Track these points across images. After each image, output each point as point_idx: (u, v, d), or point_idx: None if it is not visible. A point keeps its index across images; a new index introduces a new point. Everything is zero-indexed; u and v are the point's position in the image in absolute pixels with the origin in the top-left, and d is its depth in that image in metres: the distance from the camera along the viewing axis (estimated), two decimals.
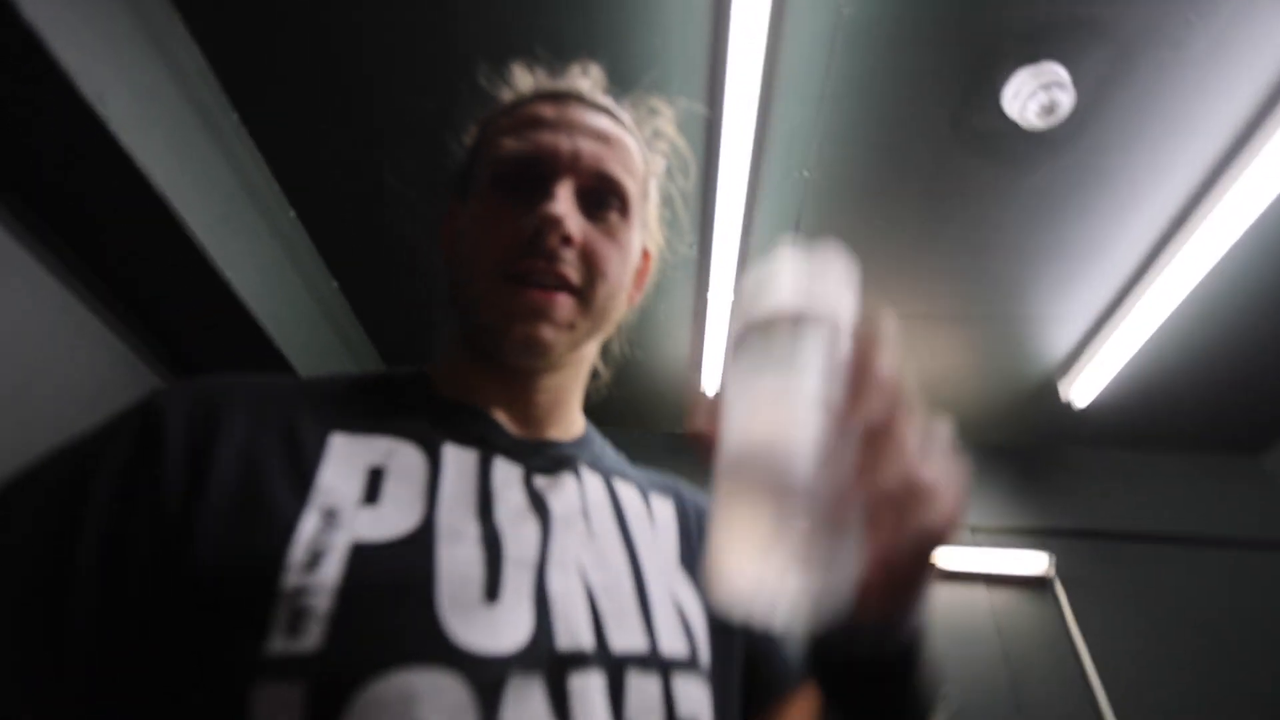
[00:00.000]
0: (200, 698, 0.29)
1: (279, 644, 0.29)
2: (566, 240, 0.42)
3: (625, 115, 0.51)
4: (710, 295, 1.65)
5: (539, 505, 0.40)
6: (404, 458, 0.39)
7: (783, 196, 1.46)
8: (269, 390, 0.41)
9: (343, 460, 0.37)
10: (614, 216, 0.46)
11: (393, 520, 0.35)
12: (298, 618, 0.29)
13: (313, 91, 1.30)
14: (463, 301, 0.47)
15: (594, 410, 0.54)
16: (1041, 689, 1.78)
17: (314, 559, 0.31)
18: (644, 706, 0.35)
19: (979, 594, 1.96)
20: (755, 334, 0.27)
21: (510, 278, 0.43)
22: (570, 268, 0.43)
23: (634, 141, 0.50)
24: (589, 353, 0.50)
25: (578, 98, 0.48)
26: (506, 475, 0.41)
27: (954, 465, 0.27)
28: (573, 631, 0.35)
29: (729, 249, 1.52)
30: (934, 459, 0.26)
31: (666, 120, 0.54)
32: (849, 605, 0.24)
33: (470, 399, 0.46)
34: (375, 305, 1.87)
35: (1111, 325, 1.68)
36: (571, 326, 0.44)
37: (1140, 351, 1.73)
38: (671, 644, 0.38)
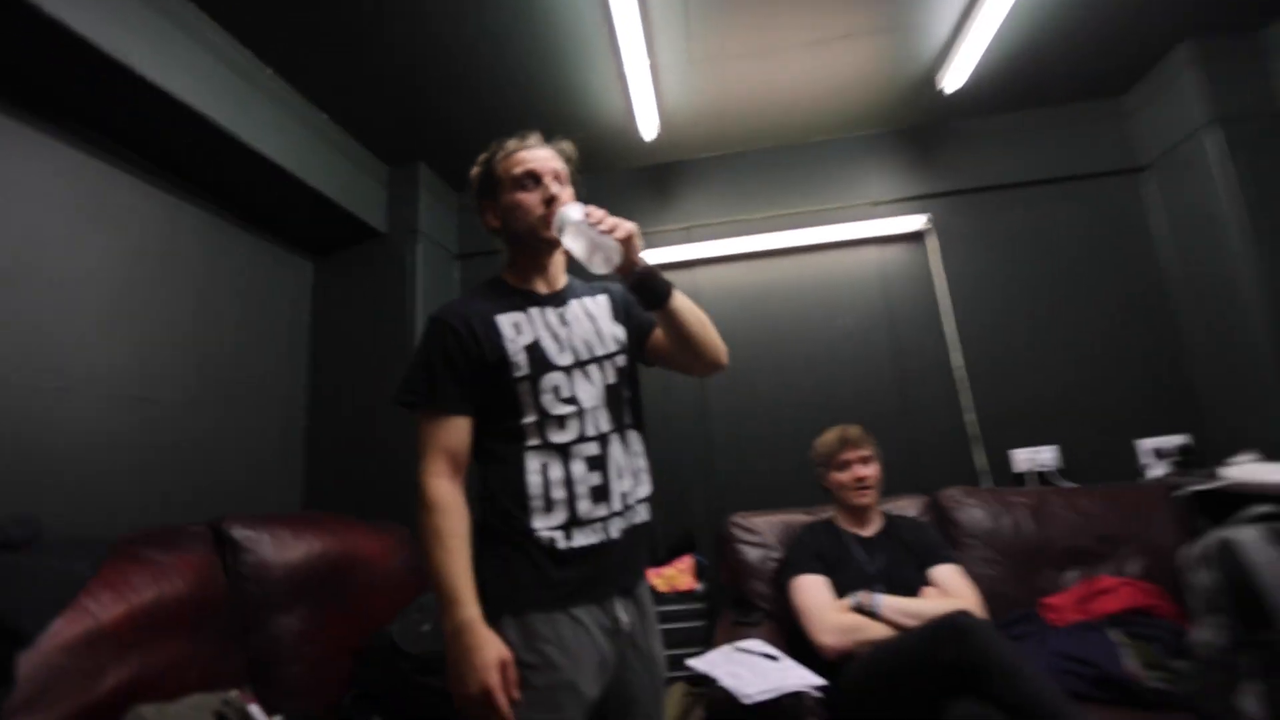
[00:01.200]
0: (496, 391, 1.03)
1: (515, 374, 1.02)
2: (554, 200, 1.07)
3: (548, 145, 1.15)
4: (626, 69, 1.98)
5: (561, 317, 1.10)
6: (519, 316, 1.08)
7: None
8: (469, 303, 1.09)
9: (505, 323, 1.07)
10: (567, 188, 1.12)
11: (529, 336, 1.05)
12: (517, 366, 1.03)
13: None
14: (515, 241, 1.13)
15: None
16: (910, 318, 2.54)
17: (516, 353, 1.03)
18: (601, 376, 1.07)
19: (872, 252, 2.62)
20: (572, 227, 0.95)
21: (542, 219, 1.07)
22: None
23: (558, 156, 1.14)
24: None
25: (535, 145, 1.13)
26: (548, 311, 1.11)
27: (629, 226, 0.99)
28: (578, 353, 1.06)
29: (631, 22, 1.81)
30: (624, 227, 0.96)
31: (564, 145, 1.17)
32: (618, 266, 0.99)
33: (524, 286, 1.14)
34: (359, 120, 2.24)
35: (971, 18, 1.95)
36: None
37: (999, 34, 2.02)
38: (608, 348, 1.09)
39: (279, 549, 1.57)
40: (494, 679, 0.87)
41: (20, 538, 1.03)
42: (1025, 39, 2.10)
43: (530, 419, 1.02)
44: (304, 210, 2.24)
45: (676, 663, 1.89)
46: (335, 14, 1.76)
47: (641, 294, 1.04)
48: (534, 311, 1.10)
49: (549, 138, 1.16)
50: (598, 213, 1.00)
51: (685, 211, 2.73)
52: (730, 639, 1.67)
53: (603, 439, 1.05)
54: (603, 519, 1.02)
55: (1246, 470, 1.88)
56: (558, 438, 1.02)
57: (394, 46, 1.90)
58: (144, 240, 1.83)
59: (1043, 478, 2.32)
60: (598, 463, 1.04)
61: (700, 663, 1.51)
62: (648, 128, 2.36)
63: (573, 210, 1.01)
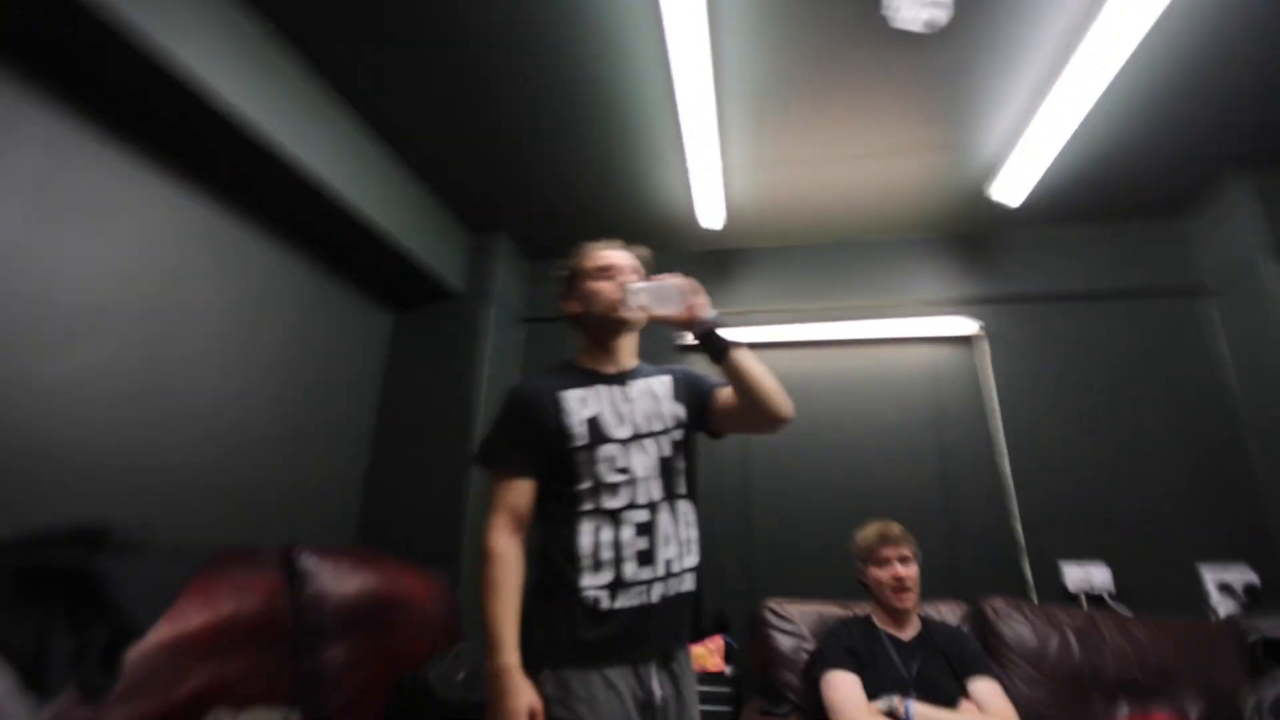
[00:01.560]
0: (557, 459, 1.16)
1: (574, 444, 1.15)
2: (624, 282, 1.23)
3: (619, 247, 1.33)
4: (691, 163, 2.19)
5: (625, 394, 1.22)
6: (586, 392, 1.21)
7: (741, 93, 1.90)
8: (544, 379, 1.24)
9: (571, 398, 1.19)
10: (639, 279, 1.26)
11: (592, 410, 1.17)
12: (577, 437, 1.15)
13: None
14: (594, 318, 1.26)
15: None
16: (958, 422, 2.55)
17: (577, 424, 1.16)
18: (656, 449, 1.18)
19: (921, 351, 2.67)
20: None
21: (615, 300, 1.21)
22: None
23: (631, 255, 1.31)
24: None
25: (609, 246, 1.32)
26: (614, 388, 1.22)
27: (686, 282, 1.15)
28: (637, 427, 1.18)
29: (707, 129, 2.02)
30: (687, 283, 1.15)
31: (644, 252, 1.34)
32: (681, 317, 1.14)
33: (593, 367, 1.26)
34: (451, 190, 2.52)
35: (1030, 132, 2.06)
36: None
37: (1064, 149, 2.12)
38: (665, 424, 1.21)
39: (336, 580, 1.68)
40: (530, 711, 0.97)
41: (139, 541, 1.18)
42: (1087, 157, 2.20)
43: (585, 485, 1.13)
44: (393, 269, 2.49)
45: None
46: (441, 95, 2.02)
47: (707, 344, 1.15)
48: (600, 389, 1.22)
49: (632, 238, 1.36)
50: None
51: (743, 297, 2.87)
52: None
53: (652, 506, 1.14)
54: (646, 582, 1.09)
55: None
56: (609, 503, 1.12)
57: (489, 127, 2.16)
58: (250, 284, 2.06)
59: (1096, 599, 2.23)
60: (646, 529, 1.12)
61: None
62: (714, 218, 2.54)
63: (638, 283, 1.21)
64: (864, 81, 1.88)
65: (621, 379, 1.26)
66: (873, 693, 1.66)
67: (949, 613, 2.04)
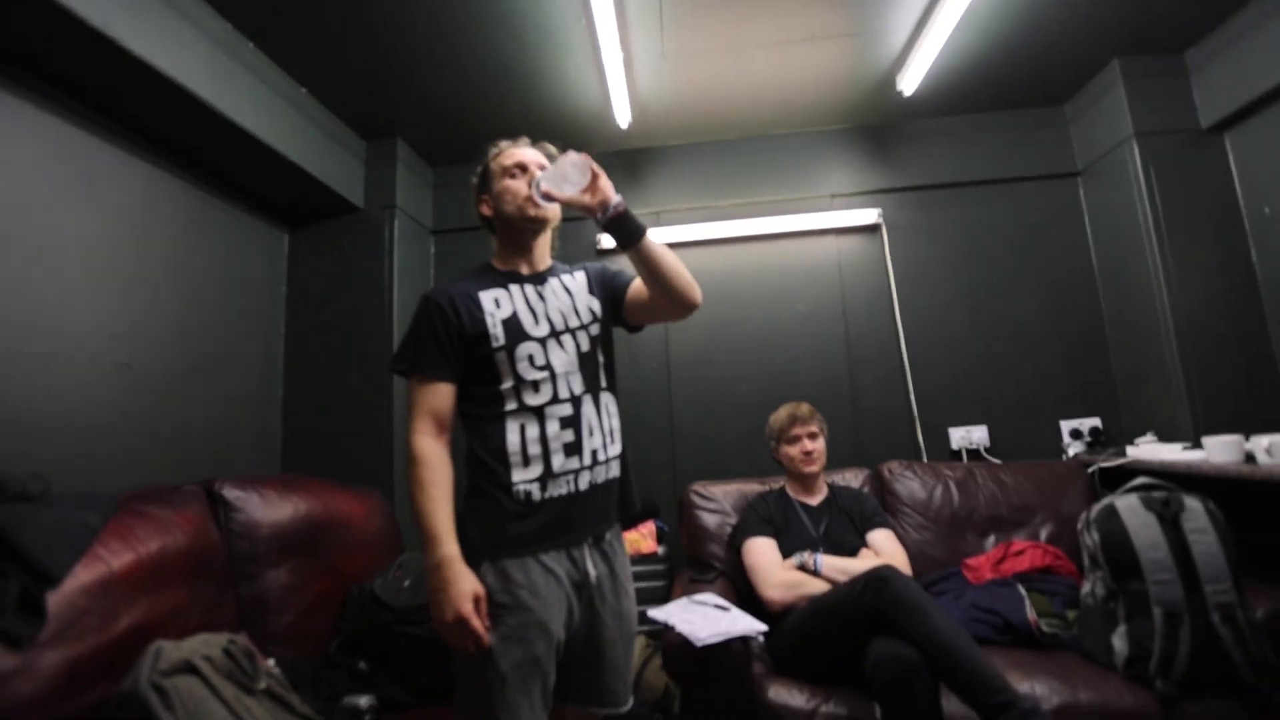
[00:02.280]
0: (478, 361, 1.15)
1: (493, 345, 1.14)
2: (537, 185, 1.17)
3: (531, 145, 1.29)
4: (603, 55, 2.07)
5: (539, 293, 1.21)
6: (500, 293, 1.20)
7: None
8: (457, 285, 1.21)
9: (486, 300, 1.18)
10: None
11: (508, 311, 1.17)
12: (495, 338, 1.14)
13: None
14: (507, 217, 1.24)
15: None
16: (862, 306, 2.73)
17: (494, 325, 1.15)
18: (574, 344, 1.19)
19: (830, 242, 2.79)
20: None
21: (528, 199, 1.20)
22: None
23: (544, 151, 1.29)
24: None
25: (526, 143, 1.28)
26: (528, 288, 1.21)
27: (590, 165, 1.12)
28: (554, 324, 1.19)
29: (607, 17, 1.90)
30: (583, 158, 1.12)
31: (553, 148, 1.30)
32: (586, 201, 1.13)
33: (508, 268, 1.26)
34: (339, 96, 2.28)
35: (928, 26, 2.09)
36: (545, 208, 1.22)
37: (951, 40, 2.17)
38: (582, 319, 1.22)
39: (267, 508, 1.67)
40: (468, 608, 1.01)
41: (35, 490, 1.12)
42: (976, 47, 2.26)
43: (508, 384, 1.14)
44: (282, 183, 2.28)
45: (639, 618, 2.07)
46: None
47: (617, 231, 1.13)
48: (514, 288, 1.22)
49: (534, 138, 1.30)
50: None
51: (655, 196, 2.85)
52: (687, 594, 1.85)
53: (575, 400, 1.17)
54: (574, 471, 1.14)
55: (1144, 450, 2.14)
56: (532, 400, 1.14)
57: (375, 24, 1.95)
58: (126, 209, 1.86)
59: (975, 454, 2.56)
60: (570, 421, 1.16)
61: (658, 612, 1.68)
62: (622, 116, 2.45)
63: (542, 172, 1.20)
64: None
65: (537, 279, 1.26)
66: (787, 553, 1.88)
67: (853, 478, 2.29)
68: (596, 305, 1.27)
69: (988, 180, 2.75)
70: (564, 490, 1.13)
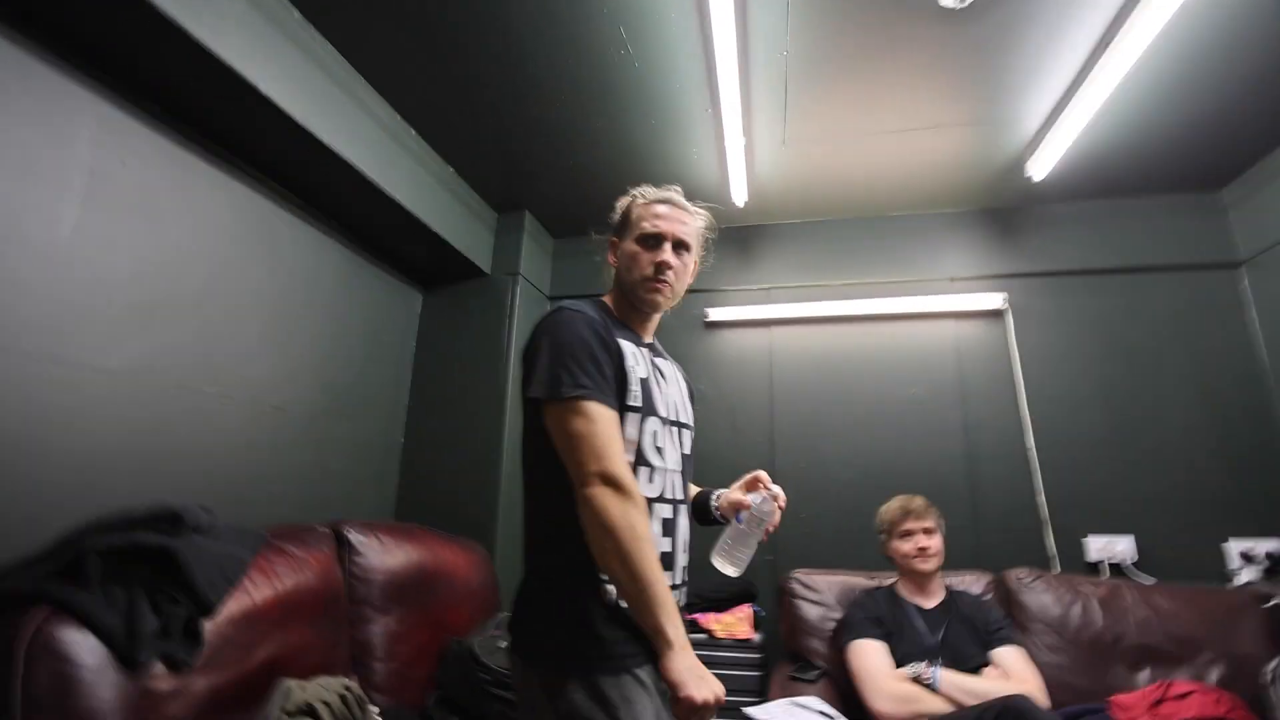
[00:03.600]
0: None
1: (630, 401, 0.98)
2: (667, 266, 1.08)
3: (690, 207, 1.15)
4: (726, 141, 2.18)
5: (660, 370, 1.11)
6: (636, 350, 1.05)
7: (769, 71, 1.88)
8: (595, 312, 1.05)
9: (627, 349, 1.02)
10: (685, 254, 1.12)
11: (644, 372, 1.03)
12: (634, 395, 0.99)
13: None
14: (626, 283, 1.11)
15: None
16: (983, 396, 2.55)
17: (634, 380, 1.00)
18: (679, 443, 1.08)
19: (948, 325, 2.67)
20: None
21: (646, 279, 1.08)
22: (669, 279, 1.10)
23: (694, 220, 1.14)
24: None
25: (674, 203, 1.13)
26: (650, 357, 1.10)
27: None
28: (672, 412, 1.08)
29: (733, 106, 2.00)
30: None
31: (703, 213, 1.17)
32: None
33: (628, 323, 1.12)
34: (477, 171, 2.53)
35: (1064, 114, 2.03)
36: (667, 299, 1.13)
37: (1090, 126, 2.08)
38: (688, 420, 1.14)
39: (384, 554, 1.76)
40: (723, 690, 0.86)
41: (207, 523, 1.25)
42: (1117, 133, 2.16)
43: (628, 458, 0.96)
44: (422, 248, 2.52)
45: (731, 710, 1.95)
46: (464, 77, 2.01)
47: None
48: (643, 352, 1.07)
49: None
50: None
51: (766, 273, 2.87)
52: (785, 692, 1.74)
53: (676, 505, 1.02)
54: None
55: None
56: (645, 490, 0.96)
57: (514, 108, 2.15)
58: (296, 270, 2.12)
59: (1117, 569, 2.27)
60: (669, 528, 1.00)
61: (758, 711, 1.58)
62: (739, 196, 2.53)
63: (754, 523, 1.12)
64: (894, 57, 1.85)
65: (654, 350, 1.13)
66: (899, 660, 1.72)
67: (973, 583, 2.09)
68: (691, 412, 1.16)
69: (1128, 268, 2.55)
70: None
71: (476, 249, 2.69)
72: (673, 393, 1.10)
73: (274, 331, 2.01)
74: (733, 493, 1.17)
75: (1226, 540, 2.23)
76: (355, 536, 1.72)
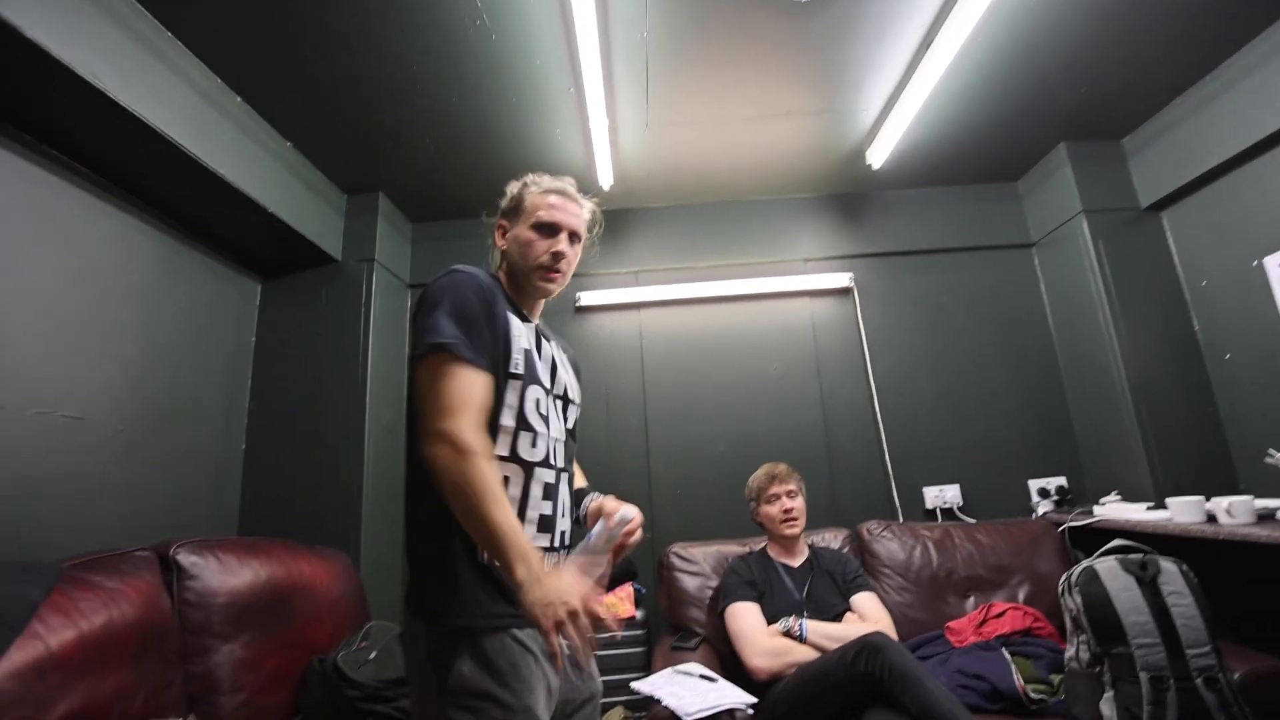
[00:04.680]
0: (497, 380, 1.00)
1: (512, 369, 1.01)
2: (563, 256, 1.12)
3: (581, 199, 1.19)
4: (590, 123, 2.15)
5: (543, 346, 1.12)
6: (519, 322, 1.06)
7: (630, 55, 1.88)
8: (489, 278, 1.07)
9: (513, 319, 1.05)
10: (576, 244, 1.17)
11: (527, 343, 1.06)
12: (515, 363, 1.01)
13: None
14: (519, 268, 1.13)
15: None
16: (836, 367, 2.79)
17: (517, 350, 1.02)
18: (564, 417, 1.12)
19: (804, 304, 2.86)
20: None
21: (542, 267, 1.11)
22: (563, 268, 1.12)
23: (583, 211, 1.19)
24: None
25: (569, 195, 1.17)
26: (531, 331, 1.10)
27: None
28: (556, 385, 1.11)
29: (596, 87, 1.98)
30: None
31: (590, 204, 1.22)
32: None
33: (514, 298, 1.13)
34: (321, 149, 2.29)
35: (896, 106, 2.24)
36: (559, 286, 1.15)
37: (916, 119, 2.32)
38: (574, 397, 1.17)
39: (224, 575, 1.56)
40: (593, 602, 0.85)
41: None
42: (939, 126, 2.42)
43: (507, 422, 0.99)
44: (258, 233, 2.24)
45: (620, 686, 1.97)
46: (304, 45, 1.82)
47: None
48: (529, 327, 1.10)
49: (578, 188, 1.22)
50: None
51: (634, 256, 2.90)
52: (669, 663, 1.78)
53: (559, 472, 1.06)
54: (543, 550, 0.98)
55: (1110, 509, 2.20)
56: (527, 453, 1.00)
57: (363, 80, 1.97)
58: (90, 254, 1.79)
59: (949, 514, 2.58)
60: (551, 492, 1.03)
61: (644, 685, 1.61)
62: (604, 178, 2.52)
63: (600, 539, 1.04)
64: (748, 45, 1.92)
65: (540, 331, 1.15)
66: (771, 618, 1.83)
67: (832, 539, 2.27)
68: (579, 392, 1.21)
69: (949, 249, 2.89)
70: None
71: (324, 233, 2.44)
72: (560, 369, 1.15)
73: (61, 328, 1.69)
74: (607, 502, 1.11)
75: (1028, 480, 2.62)
76: (186, 558, 1.50)
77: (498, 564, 0.90)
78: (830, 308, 2.85)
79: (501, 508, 0.87)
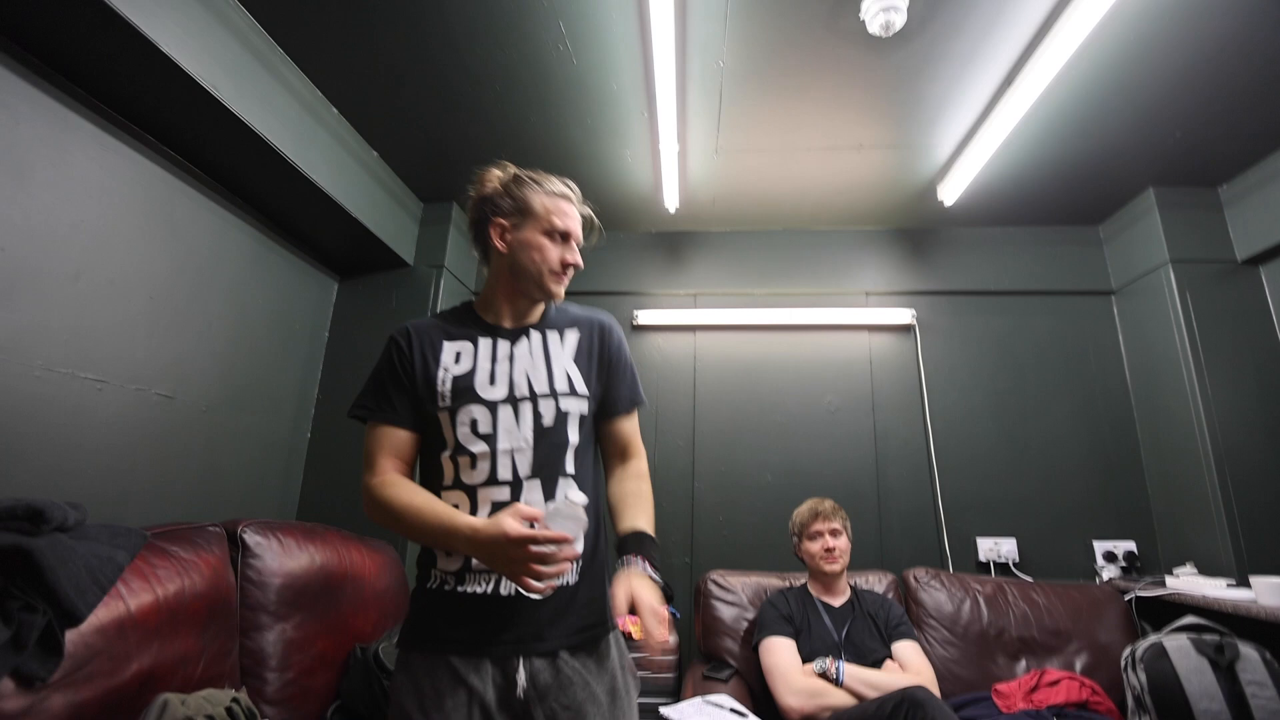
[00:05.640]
0: (428, 422, 1.05)
1: (439, 404, 1.03)
2: (577, 267, 1.11)
3: (584, 206, 1.16)
4: (660, 146, 2.19)
5: (511, 352, 1.08)
6: (463, 346, 1.08)
7: (705, 81, 1.91)
8: (429, 325, 1.11)
9: (447, 351, 1.07)
10: (578, 249, 1.13)
11: (464, 367, 1.06)
12: (442, 396, 1.03)
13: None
14: (527, 271, 1.09)
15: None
16: (892, 404, 2.72)
17: (444, 381, 1.04)
18: (533, 415, 1.03)
19: (862, 338, 2.81)
20: None
21: (555, 273, 1.09)
22: (570, 275, 1.12)
23: (585, 215, 1.16)
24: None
25: (576, 201, 1.14)
26: (501, 344, 1.09)
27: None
28: (514, 389, 1.04)
29: (669, 112, 2.02)
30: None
31: (594, 217, 1.18)
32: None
33: (487, 318, 1.12)
34: (404, 158, 2.42)
35: (973, 142, 2.19)
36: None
37: (995, 158, 2.27)
38: (548, 388, 1.06)
39: (283, 557, 1.64)
40: (513, 525, 0.85)
41: (74, 521, 1.12)
42: (1017, 166, 2.36)
43: (447, 453, 1.02)
44: (340, 234, 2.38)
45: (650, 710, 1.96)
46: (396, 62, 1.93)
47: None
48: (484, 342, 1.08)
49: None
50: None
51: (694, 279, 2.92)
52: (699, 691, 1.76)
53: (516, 485, 0.99)
54: (489, 571, 0.96)
55: (1185, 582, 2.05)
56: (468, 478, 1.00)
57: (446, 96, 2.08)
58: (193, 246, 1.95)
59: (1004, 568, 2.46)
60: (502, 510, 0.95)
61: (672, 711, 1.60)
62: (670, 201, 2.56)
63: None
64: (823, 77, 1.93)
65: (516, 333, 1.11)
66: (807, 656, 1.79)
67: (876, 581, 2.20)
68: (578, 375, 1.09)
69: (1021, 291, 2.79)
70: (480, 588, 0.97)
71: (399, 238, 2.57)
72: (526, 365, 1.07)
73: (164, 314, 1.83)
74: (630, 588, 0.99)
75: (1092, 541, 2.47)
76: (251, 537, 1.60)
77: (449, 553, 0.99)
78: (890, 343, 2.79)
79: (419, 508, 0.95)
